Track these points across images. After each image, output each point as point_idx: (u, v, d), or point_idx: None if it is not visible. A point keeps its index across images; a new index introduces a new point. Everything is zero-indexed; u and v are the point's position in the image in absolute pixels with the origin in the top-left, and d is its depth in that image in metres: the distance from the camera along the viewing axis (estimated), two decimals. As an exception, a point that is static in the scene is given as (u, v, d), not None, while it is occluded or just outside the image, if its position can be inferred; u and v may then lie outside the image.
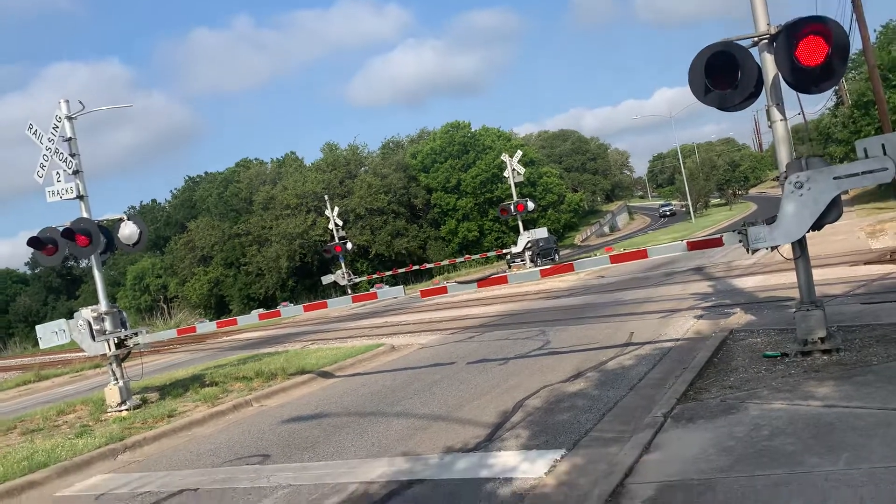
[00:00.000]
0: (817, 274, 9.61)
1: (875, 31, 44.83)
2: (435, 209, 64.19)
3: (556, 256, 45.51)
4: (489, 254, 46.02)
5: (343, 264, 41.73)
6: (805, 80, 7.79)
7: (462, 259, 45.90)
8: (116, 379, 12.45)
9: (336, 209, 43.71)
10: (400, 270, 45.29)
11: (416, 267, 45.98)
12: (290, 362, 14.73)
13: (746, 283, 15.79)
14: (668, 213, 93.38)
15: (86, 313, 12.53)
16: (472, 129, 67.37)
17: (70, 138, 12.64)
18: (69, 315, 13.00)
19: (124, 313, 13.24)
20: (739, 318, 11.42)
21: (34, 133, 12.54)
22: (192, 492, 7.25)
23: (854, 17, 26.09)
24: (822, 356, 7.81)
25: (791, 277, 9.76)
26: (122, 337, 12.60)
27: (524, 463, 6.38)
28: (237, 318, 12.98)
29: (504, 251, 41.92)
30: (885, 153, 7.27)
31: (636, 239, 56.80)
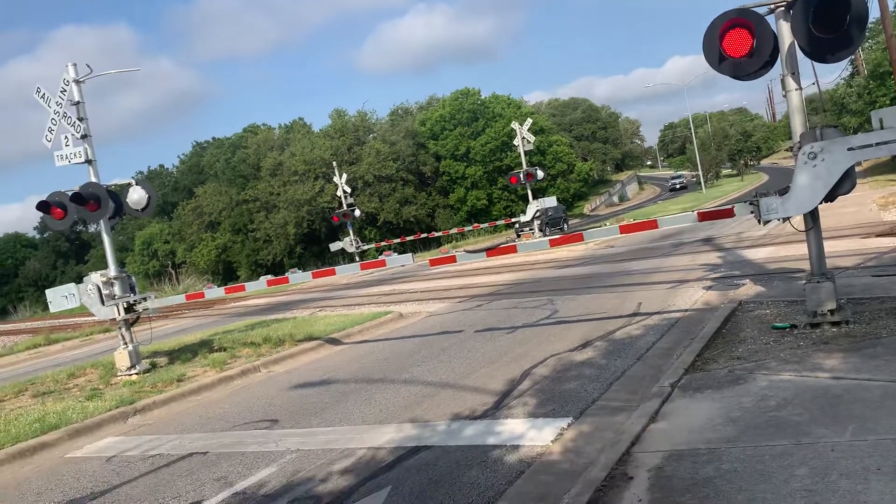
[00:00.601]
0: (828, 245, 9.54)
1: (894, -1, 43.94)
2: (444, 177, 63.93)
3: (566, 226, 45.36)
4: (498, 222, 45.87)
5: (351, 231, 41.73)
6: (822, 49, 7.64)
7: (471, 227, 45.80)
8: (126, 343, 12.55)
9: (344, 176, 43.56)
10: (408, 238, 45.24)
11: (425, 235, 45.95)
12: (298, 329, 14.81)
13: (757, 254, 15.70)
14: (678, 186, 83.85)
15: (95, 278, 12.60)
16: (482, 97, 66.75)
17: (78, 102, 12.60)
18: (78, 279, 13.07)
19: (133, 278, 13.31)
20: (749, 289, 11.38)
21: (42, 97, 12.48)
22: (202, 455, 7.33)
23: (873, -16, 25.55)
24: (831, 328, 7.78)
25: (802, 249, 9.70)
26: (132, 302, 12.68)
27: (531, 430, 6.42)
28: (245, 284, 13.00)
29: (513, 220, 41.76)
30: (901, 124, 7.15)
31: (646, 209, 56.51)
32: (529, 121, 39.44)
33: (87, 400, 10.59)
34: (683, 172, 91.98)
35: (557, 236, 12.89)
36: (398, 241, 44.46)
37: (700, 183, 72.96)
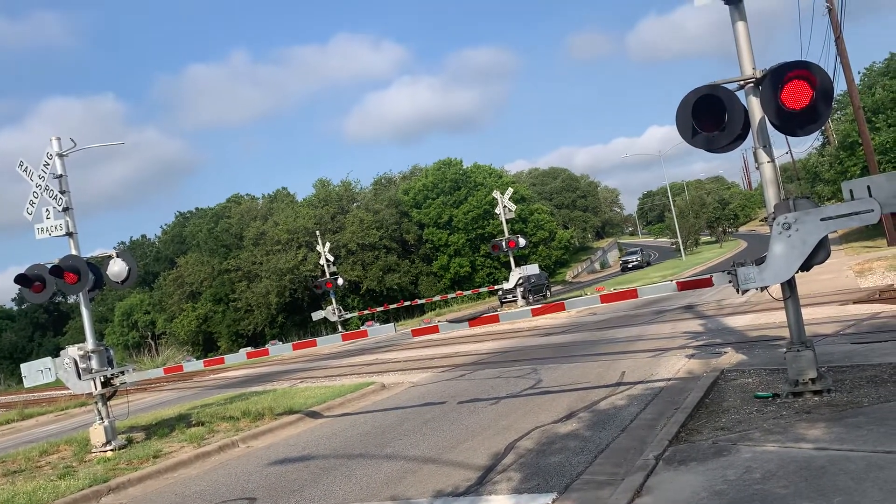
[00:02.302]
0: (807, 313, 9.64)
1: (859, 72, 45.69)
2: (427, 245, 64.28)
3: (548, 292, 45.52)
4: (481, 289, 45.97)
5: (334, 300, 41.59)
6: (790, 123, 7.90)
7: (454, 295, 45.88)
8: (102, 418, 12.27)
9: (327, 244, 43.71)
10: (391, 306, 45.15)
11: (408, 303, 45.84)
12: (277, 402, 14.57)
13: (737, 321, 15.80)
14: (630, 266, 69.80)
15: (72, 351, 12.40)
16: (464, 167, 67.82)
17: (61, 175, 12.65)
18: (56, 352, 12.88)
19: (111, 351, 13.11)
20: (731, 357, 11.40)
21: (25, 170, 12.54)
22: (176, 537, 7.09)
23: (839, 60, 26.61)
24: (813, 397, 7.79)
25: (782, 316, 9.78)
26: (109, 375, 12.46)
27: (515, 507, 6.29)
28: (224, 356, 12.84)
29: (496, 287, 41.89)
30: (870, 195, 7.35)
31: (627, 276, 56.90)
32: (510, 190, 40.02)
33: (59, 478, 10.27)
34: (637, 249, 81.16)
35: (540, 305, 12.93)
36: (381, 309, 44.33)
37: (680, 250, 73.83)
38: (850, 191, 7.49)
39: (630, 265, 70.22)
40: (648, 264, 71.89)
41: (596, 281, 57.49)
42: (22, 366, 13.01)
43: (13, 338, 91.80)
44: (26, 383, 12.91)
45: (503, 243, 35.25)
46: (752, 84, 8.14)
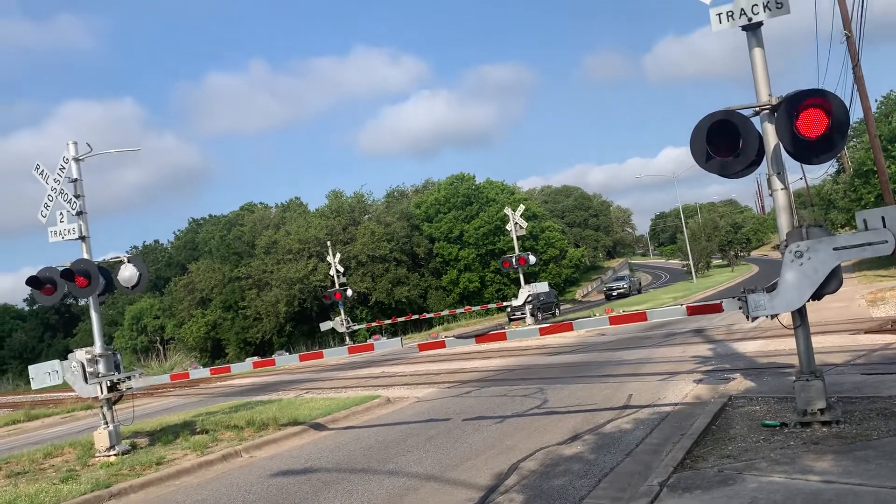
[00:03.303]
0: (817, 341, 9.56)
1: (876, 100, 45.48)
2: (437, 259, 64.28)
3: (557, 311, 45.40)
4: (490, 305, 45.88)
5: (342, 311, 41.61)
6: (805, 152, 7.87)
7: (462, 310, 45.82)
8: (107, 423, 12.29)
9: (338, 255, 43.80)
10: (399, 319, 45.11)
11: (416, 316, 45.79)
12: (282, 412, 14.55)
13: (747, 347, 15.68)
14: (615, 294, 59.88)
15: (80, 355, 12.45)
16: (477, 182, 67.95)
17: (76, 179, 12.76)
18: (65, 353, 12.93)
19: (119, 355, 13.15)
20: (739, 383, 11.31)
21: (41, 173, 12.65)
22: (176, 546, 7.07)
23: (856, 87, 26.52)
24: (821, 428, 7.70)
25: (791, 343, 9.68)
26: (115, 380, 12.49)
27: (516, 529, 6.23)
28: (231, 366, 12.85)
29: (505, 304, 41.82)
30: (884, 226, 7.30)
31: (637, 297, 56.66)
32: (522, 207, 40.06)
33: (61, 482, 10.28)
34: (624, 275, 71.04)
35: (548, 323, 12.87)
36: (389, 321, 44.31)
37: (691, 273, 73.49)
38: (864, 220, 7.44)
39: (615, 293, 59.92)
40: (639, 291, 62.85)
41: (606, 301, 57.09)
42: (30, 367, 13.07)
43: (23, 338, 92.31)
44: (34, 385, 12.95)
45: (513, 260, 35.22)
46: (767, 111, 8.11)
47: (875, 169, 30.02)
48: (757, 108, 8.17)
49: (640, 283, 68.53)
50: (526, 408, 12.26)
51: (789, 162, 8.38)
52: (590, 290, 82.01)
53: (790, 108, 7.61)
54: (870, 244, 7.31)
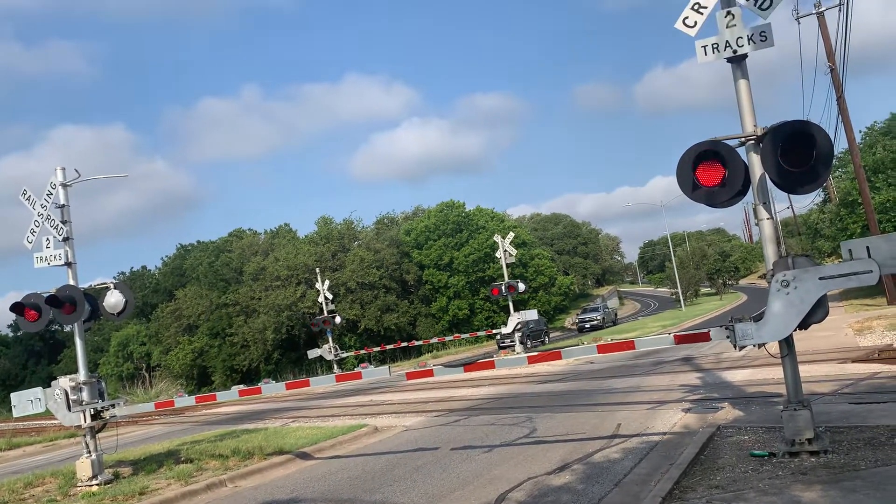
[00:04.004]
0: (805, 370, 9.57)
1: (860, 131, 46.21)
2: (426, 286, 64.19)
3: (546, 339, 45.31)
4: (479, 333, 45.76)
5: (331, 338, 41.36)
6: (791, 182, 7.96)
7: (452, 337, 45.62)
8: (89, 452, 12.11)
9: (327, 282, 43.62)
10: (388, 347, 44.87)
11: (405, 343, 45.57)
12: (268, 441, 14.39)
13: (735, 376, 15.68)
14: (587, 327, 55.44)
15: (63, 382, 12.29)
16: (467, 209, 68.16)
17: (63, 205, 12.70)
18: (49, 380, 12.76)
19: (103, 383, 12.99)
20: (727, 413, 11.29)
21: (27, 199, 12.60)
22: (157, 579, 6.93)
23: (840, 118, 26.92)
24: (809, 458, 7.69)
25: (779, 372, 9.69)
26: (99, 408, 12.33)
27: (503, 561, 6.16)
28: (216, 394, 12.72)
29: (494, 331, 41.70)
30: (869, 255, 7.36)
31: (626, 325, 56.69)
32: (512, 234, 40.13)
33: (41, 513, 10.08)
34: (598, 306, 65.44)
35: (536, 353, 12.84)
36: (378, 349, 44.01)
37: (679, 301, 73.68)
38: (850, 250, 7.51)
39: (587, 325, 55.59)
40: (614, 323, 58.95)
41: (578, 333, 55.69)
42: (12, 395, 12.89)
43: (7, 364, 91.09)
44: (15, 413, 12.77)
45: (503, 287, 35.19)
46: (752, 141, 8.21)
47: (860, 199, 30.37)
48: (742, 139, 8.27)
49: (615, 314, 64.87)
50: (514, 437, 12.18)
51: (777, 191, 8.47)
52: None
53: (776, 138, 7.70)
54: (855, 273, 7.37)
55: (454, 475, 9.84)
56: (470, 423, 14.46)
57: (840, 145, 39.02)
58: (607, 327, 53.84)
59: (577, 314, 61.45)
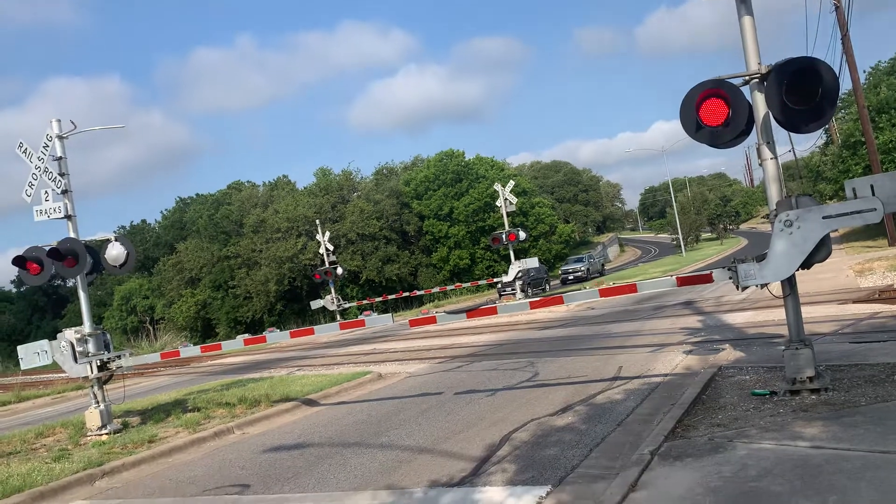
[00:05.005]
0: (806, 312, 9.61)
1: (864, 71, 45.51)
2: (427, 236, 64.24)
3: (547, 286, 45.54)
4: (480, 282, 45.96)
5: (333, 289, 41.57)
6: (795, 120, 7.84)
7: (453, 287, 45.89)
8: (98, 402, 12.26)
9: (327, 234, 43.66)
10: (390, 297, 45.13)
11: (407, 294, 45.82)
12: (274, 389, 14.56)
13: (736, 318, 15.78)
14: (570, 278, 52.68)
15: (69, 334, 12.38)
16: (466, 158, 67.72)
17: (60, 157, 12.58)
18: (53, 335, 12.84)
19: (108, 335, 13.08)
20: (728, 354, 11.38)
21: (24, 151, 12.47)
22: (169, 521, 7.08)
23: (844, 58, 26.49)
24: (810, 395, 7.77)
25: (780, 314, 9.75)
26: (105, 359, 12.43)
27: (510, 498, 6.27)
28: (222, 343, 12.81)
29: (495, 280, 41.88)
30: (873, 194, 7.30)
31: (627, 271, 56.89)
32: (512, 182, 39.99)
33: (53, 461, 10.26)
34: (584, 256, 60.31)
35: (538, 298, 12.92)
36: (380, 299, 44.29)
37: (680, 246, 73.79)
38: (853, 189, 7.44)
39: (571, 276, 52.74)
40: (601, 273, 55.71)
41: (562, 286, 53.91)
42: (19, 348, 12.99)
43: (11, 320, 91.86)
44: (23, 365, 12.89)
45: (503, 236, 35.23)
46: (757, 79, 8.07)
47: (863, 140, 30.11)
48: (747, 77, 8.13)
49: (601, 265, 61.50)
50: (517, 381, 12.31)
51: (777, 134, 8.37)
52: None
53: (780, 76, 7.57)
54: (858, 212, 7.33)
55: (458, 418, 9.97)
56: (472, 369, 14.61)
57: (844, 86, 38.46)
58: (593, 278, 50.98)
59: (561, 266, 58.04)
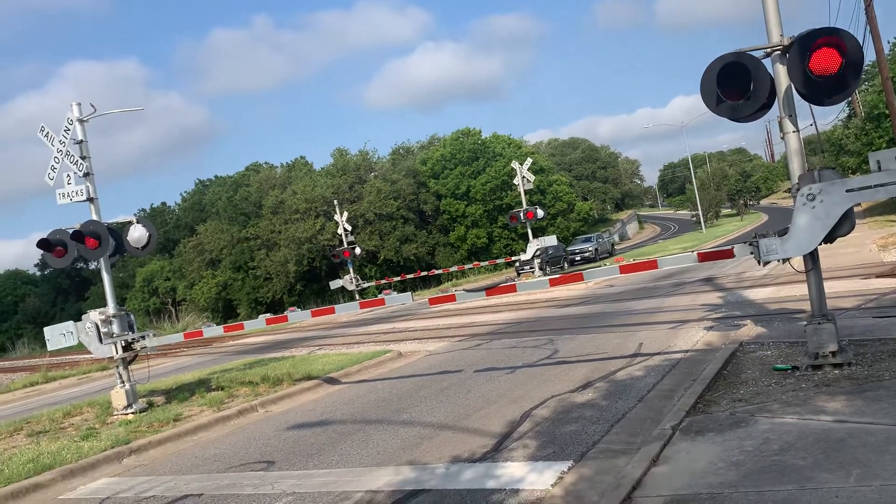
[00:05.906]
0: (829, 286, 9.52)
1: (889, 42, 44.58)
2: (444, 215, 64.14)
3: (565, 264, 45.39)
4: (498, 261, 45.90)
5: (351, 269, 41.73)
6: (818, 92, 7.73)
7: (471, 266, 45.83)
8: (123, 382, 12.47)
9: (345, 214, 43.75)
10: (408, 276, 45.22)
11: (425, 273, 45.88)
12: (296, 368, 14.71)
13: (757, 294, 15.68)
14: (577, 259, 49.28)
15: (94, 316, 12.56)
16: (483, 137, 67.37)
17: (81, 141, 12.70)
18: (78, 316, 13.04)
19: (132, 316, 13.26)
20: (750, 330, 11.33)
21: (46, 135, 12.59)
22: (196, 497, 7.22)
23: (868, 28, 25.97)
24: (833, 370, 7.73)
25: (802, 289, 9.68)
26: (130, 340, 12.62)
27: (531, 474, 6.32)
28: (244, 322, 12.95)
29: (513, 258, 41.82)
30: (898, 166, 7.19)
31: (646, 248, 56.60)
32: (529, 160, 39.80)
33: (82, 440, 10.47)
34: (592, 236, 57.40)
35: (557, 275, 12.90)
36: (398, 278, 44.39)
37: (700, 223, 73.18)
38: (878, 162, 7.33)
39: (578, 258, 49.48)
40: (610, 254, 53.24)
41: (569, 266, 52.98)
42: (45, 329, 13.21)
43: (36, 303, 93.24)
44: (49, 346, 13.11)
45: (521, 214, 35.14)
46: (778, 52, 7.96)
47: (887, 112, 29.58)
48: (768, 49, 8.01)
49: (611, 245, 58.39)
50: (536, 358, 12.35)
51: (799, 108, 8.26)
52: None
53: (803, 47, 7.45)
54: (883, 185, 7.23)
55: (479, 395, 10.04)
56: (492, 347, 14.66)
57: (867, 58, 37.75)
58: (602, 258, 49.30)
59: (568, 247, 54.02)
